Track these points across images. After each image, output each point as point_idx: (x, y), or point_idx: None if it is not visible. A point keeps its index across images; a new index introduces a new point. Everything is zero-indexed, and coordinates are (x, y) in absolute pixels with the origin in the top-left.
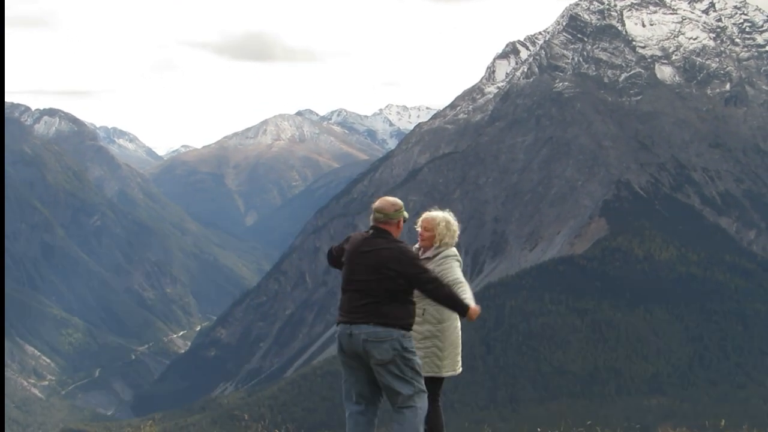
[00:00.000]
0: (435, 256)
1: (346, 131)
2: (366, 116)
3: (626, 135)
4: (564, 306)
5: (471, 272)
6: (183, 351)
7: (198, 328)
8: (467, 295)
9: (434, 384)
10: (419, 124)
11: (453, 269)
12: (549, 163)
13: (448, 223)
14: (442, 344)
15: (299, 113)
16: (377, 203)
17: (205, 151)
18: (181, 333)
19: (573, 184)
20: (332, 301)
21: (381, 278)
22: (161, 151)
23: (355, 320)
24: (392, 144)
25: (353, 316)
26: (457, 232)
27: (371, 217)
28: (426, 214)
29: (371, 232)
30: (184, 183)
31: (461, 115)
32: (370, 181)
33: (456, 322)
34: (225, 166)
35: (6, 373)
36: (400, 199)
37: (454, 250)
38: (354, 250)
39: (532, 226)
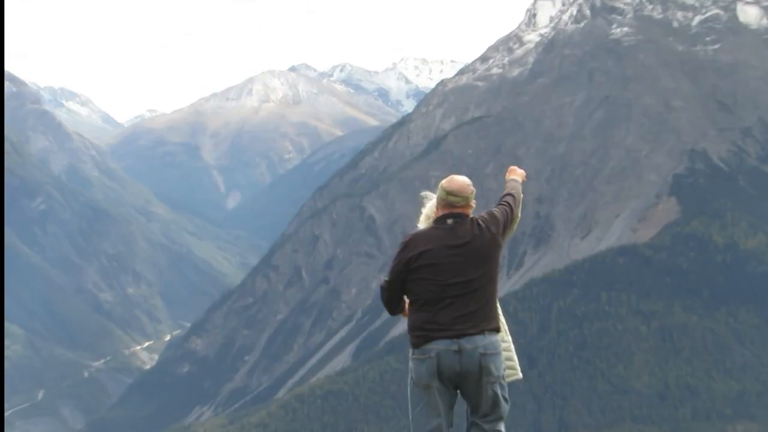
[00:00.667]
0: None
1: (352, 90)
2: (376, 72)
3: (701, 93)
4: (626, 308)
5: (508, 266)
6: (148, 367)
7: (167, 339)
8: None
9: None
10: (442, 81)
11: None
12: (605, 129)
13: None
14: None
15: (293, 69)
16: (452, 185)
17: (177, 117)
18: (147, 344)
19: (635, 156)
20: (334, 303)
21: (486, 272)
22: (121, 116)
23: (463, 332)
24: (409, 106)
25: (460, 328)
26: None
27: (439, 202)
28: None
29: (451, 221)
30: (149, 156)
31: (494, 70)
32: (381, 152)
33: None
34: (201, 135)
35: None
36: (419, 174)
37: None
38: (440, 248)
39: (585, 208)
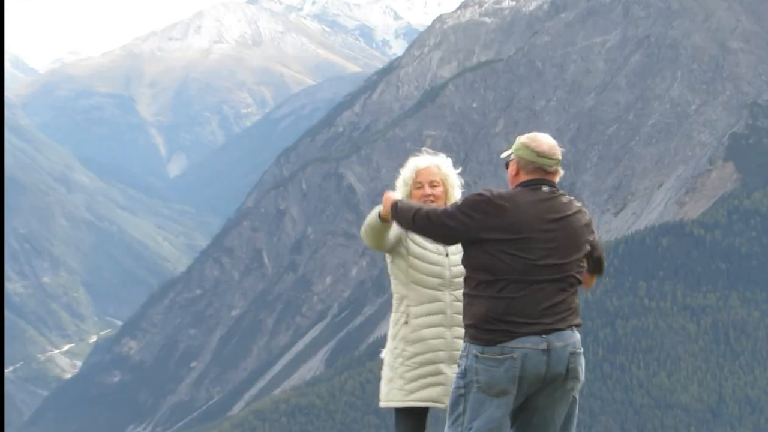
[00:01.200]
0: None
1: (327, 28)
2: (357, 5)
3: (767, 31)
4: (670, 300)
5: None
6: (69, 375)
7: (93, 340)
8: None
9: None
10: (440, 16)
11: None
12: (644, 76)
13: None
14: None
15: (253, 1)
16: (541, 144)
17: (105, 62)
18: (67, 347)
19: (683, 110)
20: (304, 296)
21: (579, 259)
22: (36, 61)
23: (552, 327)
24: (398, 48)
25: (548, 322)
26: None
27: (523, 165)
28: (424, 162)
29: (546, 188)
30: (71, 111)
31: (506, 3)
32: (363, 106)
33: None
34: (136, 85)
35: None
36: (410, 134)
37: None
38: (534, 220)
39: (619, 177)
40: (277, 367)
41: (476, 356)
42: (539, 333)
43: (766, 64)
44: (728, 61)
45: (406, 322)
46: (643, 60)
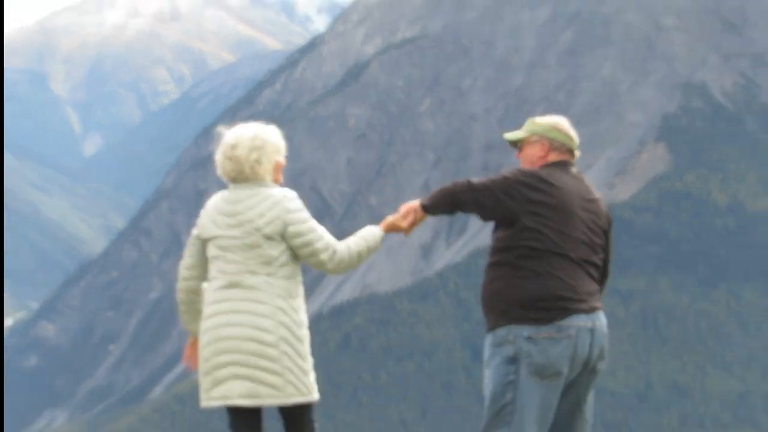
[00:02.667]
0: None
1: (247, 3)
2: None
3: (701, 8)
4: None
5: (447, 232)
6: None
7: (9, 323)
8: None
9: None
10: None
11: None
12: (575, 55)
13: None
14: None
15: None
16: (570, 129)
17: (17, 36)
18: None
19: (614, 90)
20: None
21: (604, 242)
22: None
23: (594, 305)
24: (321, 24)
25: (592, 300)
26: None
27: (554, 144)
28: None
29: (574, 169)
30: None
31: None
32: (285, 83)
33: None
34: (49, 60)
35: None
36: (334, 113)
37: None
38: (578, 195)
39: None
40: None
41: (529, 338)
42: (587, 311)
43: (700, 43)
44: (661, 39)
45: None
46: (574, 38)
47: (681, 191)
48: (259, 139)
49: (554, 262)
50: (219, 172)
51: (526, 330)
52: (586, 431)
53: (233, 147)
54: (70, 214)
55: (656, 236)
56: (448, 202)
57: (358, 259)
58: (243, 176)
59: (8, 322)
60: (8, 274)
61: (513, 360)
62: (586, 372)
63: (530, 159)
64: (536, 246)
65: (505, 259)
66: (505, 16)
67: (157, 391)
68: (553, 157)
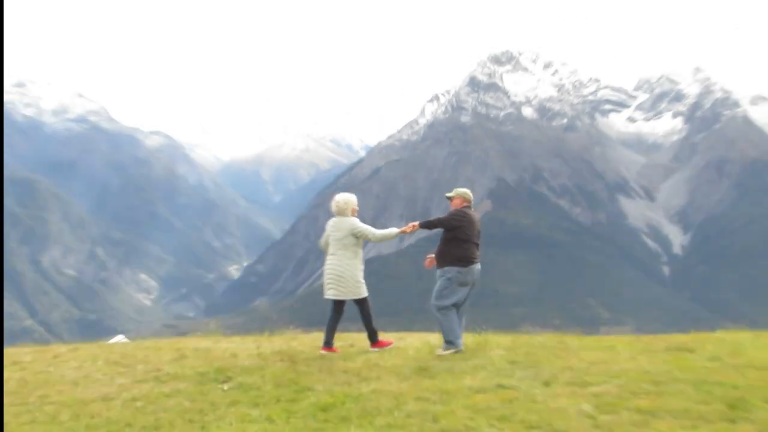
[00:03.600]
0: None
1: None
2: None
3: (502, 148)
4: None
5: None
6: None
7: None
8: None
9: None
10: (379, 142)
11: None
12: (457, 168)
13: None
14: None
15: None
16: (467, 190)
17: None
18: None
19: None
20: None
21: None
22: None
23: (477, 260)
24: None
25: (476, 258)
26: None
27: (466, 200)
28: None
29: (471, 209)
30: None
31: (404, 137)
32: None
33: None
34: None
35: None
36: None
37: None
38: (474, 219)
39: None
40: None
41: (458, 271)
42: (476, 262)
43: (500, 160)
44: (486, 160)
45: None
46: (457, 160)
47: None
48: (346, 199)
49: (467, 243)
50: (333, 209)
51: (457, 268)
52: (465, 309)
53: (337, 202)
54: None
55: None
56: (433, 225)
57: (381, 239)
58: (340, 212)
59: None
60: None
61: (450, 279)
62: (473, 287)
63: (456, 205)
64: (461, 236)
65: (450, 239)
66: (431, 151)
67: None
68: (463, 203)
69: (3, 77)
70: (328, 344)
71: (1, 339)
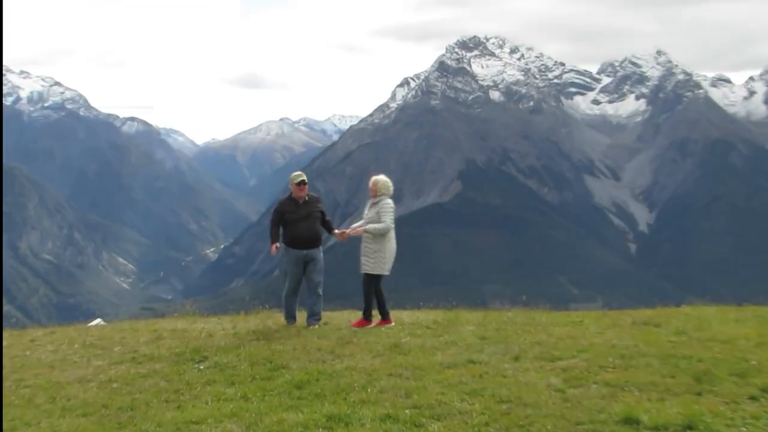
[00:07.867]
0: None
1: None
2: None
3: (471, 131)
4: None
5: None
6: None
7: None
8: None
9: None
10: (351, 126)
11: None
12: (427, 150)
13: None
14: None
15: None
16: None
17: None
18: None
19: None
20: None
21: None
22: None
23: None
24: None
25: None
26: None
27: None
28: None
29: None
30: None
31: (376, 120)
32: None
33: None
34: None
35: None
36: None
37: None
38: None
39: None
40: None
41: (286, 252)
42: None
43: (472, 142)
44: (457, 143)
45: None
46: (428, 142)
47: None
48: (384, 180)
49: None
50: (391, 191)
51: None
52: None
53: (375, 182)
54: None
55: None
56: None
57: (379, 233)
58: (374, 193)
59: None
60: None
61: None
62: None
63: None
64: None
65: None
66: (403, 133)
67: None
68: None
69: (2, 77)
70: (386, 316)
71: (1, 339)
